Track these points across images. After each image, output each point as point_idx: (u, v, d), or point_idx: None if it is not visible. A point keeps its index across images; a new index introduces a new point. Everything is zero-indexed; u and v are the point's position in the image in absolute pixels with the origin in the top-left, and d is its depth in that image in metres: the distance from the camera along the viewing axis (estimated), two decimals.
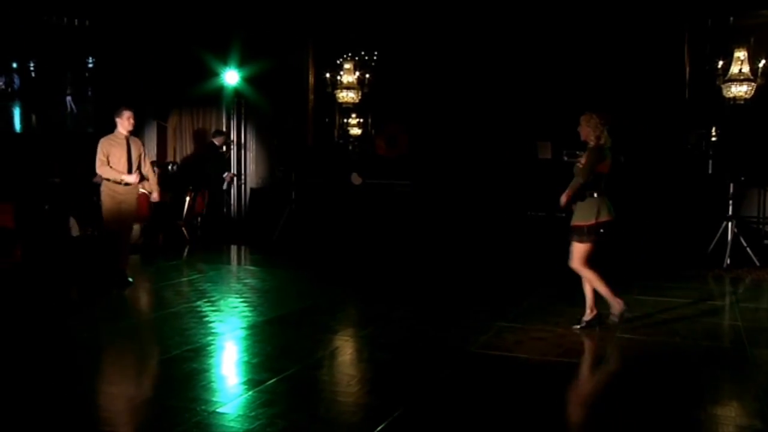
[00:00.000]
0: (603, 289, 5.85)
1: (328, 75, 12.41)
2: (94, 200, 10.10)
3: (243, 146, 13.15)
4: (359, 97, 12.35)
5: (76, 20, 13.60)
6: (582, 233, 5.69)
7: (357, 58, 12.43)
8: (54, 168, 9.70)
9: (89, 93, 14.23)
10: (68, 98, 14.45)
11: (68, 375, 4.63)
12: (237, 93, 12.86)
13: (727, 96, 9.61)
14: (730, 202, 9.29)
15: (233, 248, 10.97)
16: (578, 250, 5.74)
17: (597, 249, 5.73)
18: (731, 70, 9.58)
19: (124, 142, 7.36)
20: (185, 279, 8.08)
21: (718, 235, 9.32)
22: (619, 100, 10.52)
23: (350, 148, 12.72)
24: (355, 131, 12.78)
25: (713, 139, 10.23)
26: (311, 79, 12.77)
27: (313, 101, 12.78)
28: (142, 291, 7.50)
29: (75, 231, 9.16)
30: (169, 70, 12.99)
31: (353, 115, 12.69)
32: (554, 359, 5.23)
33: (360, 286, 8.06)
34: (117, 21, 13.01)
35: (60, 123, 14.56)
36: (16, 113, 14.65)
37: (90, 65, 14.10)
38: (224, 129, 12.95)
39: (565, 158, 10.05)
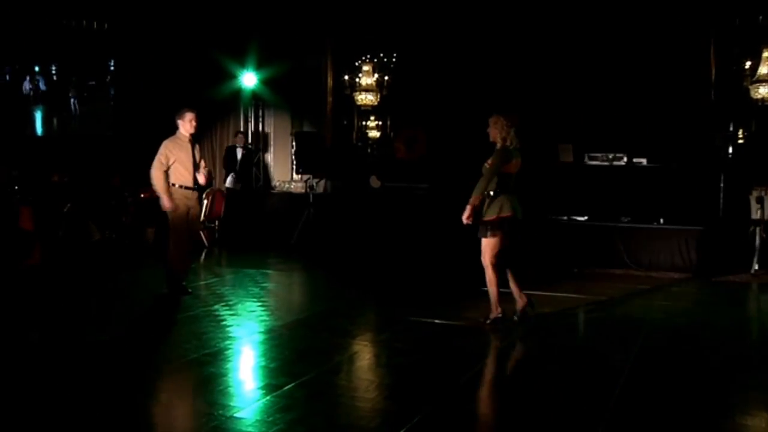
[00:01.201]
0: (494, 292, 6.05)
1: (346, 77, 12.43)
2: (112, 204, 10.22)
3: (260, 149, 13.20)
4: (378, 100, 12.36)
5: (95, 23, 13.75)
6: (486, 228, 5.93)
7: (376, 60, 12.45)
8: (70, 171, 9.79)
9: (111, 95, 14.41)
10: (73, 100, 14.63)
11: (83, 378, 4.65)
12: (255, 95, 12.92)
13: (755, 97, 9.49)
14: (758, 206, 9.17)
15: (251, 251, 11.00)
16: (486, 245, 5.96)
17: (505, 246, 5.99)
18: (759, 71, 9.46)
19: (189, 145, 7.14)
20: (203, 282, 8.11)
21: (747, 239, 9.19)
22: (643, 101, 10.42)
23: (369, 150, 12.72)
24: (374, 134, 12.78)
25: (740, 141, 10.10)
26: (330, 82, 12.81)
27: (331, 103, 12.80)
28: (158, 294, 7.52)
29: (96, 235, 9.23)
30: (186, 72, 13.08)
31: (372, 118, 12.71)
32: (577, 366, 5.18)
33: (378, 290, 8.05)
34: (135, 24, 13.13)
35: (77, 126, 14.75)
36: (38, 117, 14.87)
37: (111, 68, 14.26)
38: (241, 129, 13.03)
39: (588, 161, 9.95)
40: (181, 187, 7.06)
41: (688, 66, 10.38)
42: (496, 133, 6.06)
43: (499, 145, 6.05)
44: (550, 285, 8.24)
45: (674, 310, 7.16)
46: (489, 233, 5.94)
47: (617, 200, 9.68)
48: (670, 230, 9.32)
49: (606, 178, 9.78)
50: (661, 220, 9.44)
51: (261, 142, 13.25)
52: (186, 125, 7.10)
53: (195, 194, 7.18)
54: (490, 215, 5.95)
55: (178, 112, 7.15)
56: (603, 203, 9.73)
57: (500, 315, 6.15)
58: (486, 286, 6.15)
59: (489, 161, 6.03)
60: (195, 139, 7.28)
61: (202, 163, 7.31)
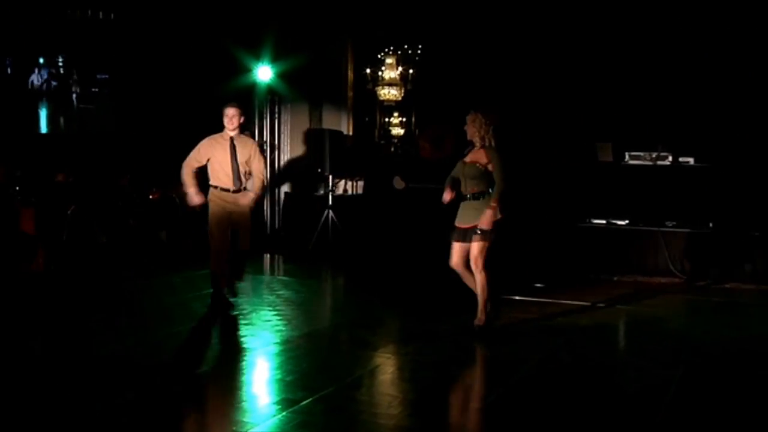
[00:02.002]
0: (485, 296, 6.19)
1: (368, 70, 12.44)
2: (119, 205, 10.34)
3: (276, 147, 13.26)
4: (402, 95, 12.35)
5: (100, 13, 13.92)
6: (489, 232, 6.07)
7: (399, 53, 12.45)
8: (76, 170, 9.89)
9: (119, 90, 14.54)
10: (74, 96, 14.80)
11: (86, 394, 4.71)
12: (270, 90, 12.98)
13: None
14: None
15: (266, 257, 11.06)
16: (482, 249, 6.12)
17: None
18: None
19: (227, 143, 7.05)
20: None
21: None
22: (690, 93, 10.30)
23: (392, 149, 12.73)
24: (398, 131, 12.78)
25: None
26: (350, 75, 12.83)
27: (352, 99, 12.82)
28: (169, 302, 7.60)
29: (101, 239, 9.32)
30: (197, 65, 13.16)
31: (395, 114, 12.71)
32: (617, 383, 5.15)
33: (403, 299, 8.05)
34: (143, 14, 13.26)
35: (77, 123, 14.91)
36: (43, 113, 15.07)
37: (118, 62, 14.37)
38: (255, 128, 13.10)
39: (629, 161, 9.87)
40: (216, 188, 7.02)
41: (742, 52, 10.20)
42: (474, 131, 6.20)
43: (478, 144, 6.20)
44: (587, 294, 8.22)
45: (725, 322, 7.08)
46: (489, 236, 6.08)
47: (661, 203, 9.56)
48: (720, 236, 9.20)
49: (649, 179, 9.67)
50: (710, 225, 9.33)
51: (277, 139, 13.30)
52: (225, 122, 7.07)
53: (235, 197, 6.99)
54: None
55: (223, 109, 7.15)
56: (645, 206, 9.62)
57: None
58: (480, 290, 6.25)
59: (482, 161, 6.12)
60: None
61: (259, 164, 7.13)
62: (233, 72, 12.58)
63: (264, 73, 12.56)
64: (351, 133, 12.79)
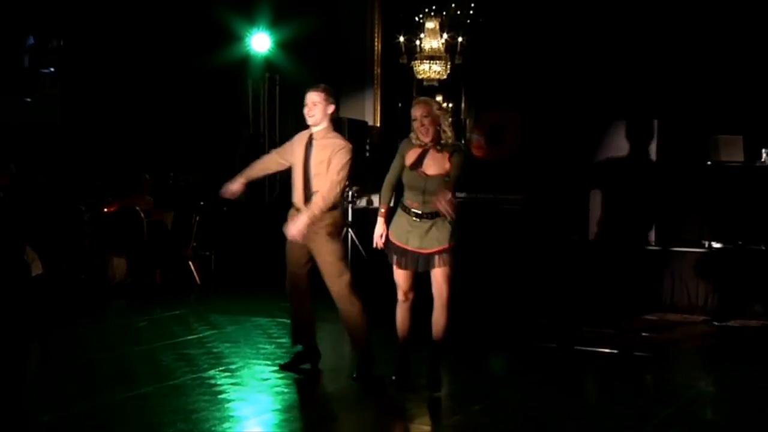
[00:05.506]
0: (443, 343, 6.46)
1: (401, 39, 12.46)
2: (63, 222, 10.38)
3: (276, 142, 13.29)
4: (448, 71, 12.35)
5: None
6: (453, 256, 6.25)
7: (444, 14, 12.46)
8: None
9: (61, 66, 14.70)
10: None
11: None
12: (268, 64, 13.03)
13: None
14: None
15: (262, 291, 11.05)
16: (450, 276, 6.32)
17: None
18: None
19: (304, 143, 6.73)
20: (193, 337, 8.19)
21: None
22: None
23: None
24: None
25: None
26: (377, 45, 12.88)
27: (379, 77, 12.86)
28: (131, 353, 7.60)
29: (37, 268, 9.34)
30: (173, 32, 13.25)
31: (439, 97, 12.72)
32: None
33: (448, 346, 7.95)
34: None
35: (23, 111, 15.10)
36: None
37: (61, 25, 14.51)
38: (249, 113, 13.16)
39: (765, 161, 9.75)
40: (293, 205, 6.77)
41: None
42: (429, 125, 6.12)
43: (430, 144, 6.17)
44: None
45: None
46: (454, 260, 6.25)
47: None
48: None
49: None
50: None
51: (276, 129, 13.34)
52: (305, 111, 6.72)
53: (320, 217, 6.59)
54: (455, 240, 6.26)
55: None
56: None
57: None
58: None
59: (447, 169, 6.15)
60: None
61: (337, 171, 6.56)
62: (219, 41, 12.65)
63: (260, 42, 12.62)
64: (378, 124, 12.81)
